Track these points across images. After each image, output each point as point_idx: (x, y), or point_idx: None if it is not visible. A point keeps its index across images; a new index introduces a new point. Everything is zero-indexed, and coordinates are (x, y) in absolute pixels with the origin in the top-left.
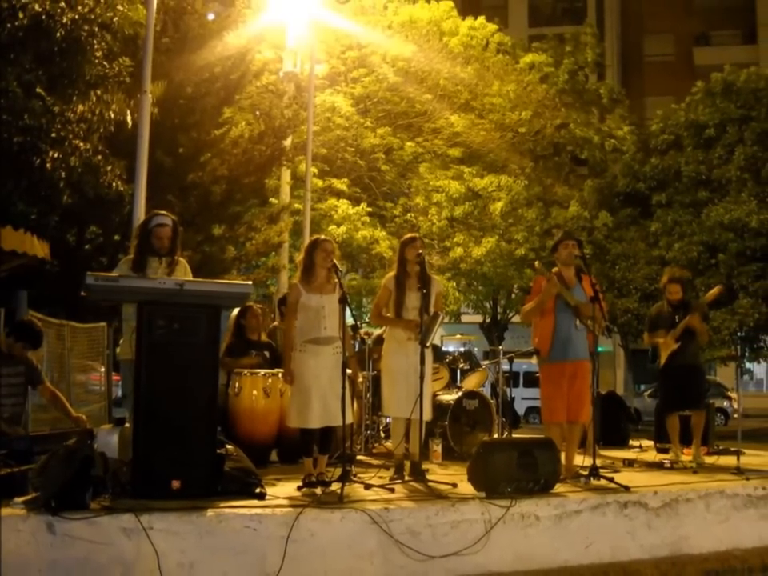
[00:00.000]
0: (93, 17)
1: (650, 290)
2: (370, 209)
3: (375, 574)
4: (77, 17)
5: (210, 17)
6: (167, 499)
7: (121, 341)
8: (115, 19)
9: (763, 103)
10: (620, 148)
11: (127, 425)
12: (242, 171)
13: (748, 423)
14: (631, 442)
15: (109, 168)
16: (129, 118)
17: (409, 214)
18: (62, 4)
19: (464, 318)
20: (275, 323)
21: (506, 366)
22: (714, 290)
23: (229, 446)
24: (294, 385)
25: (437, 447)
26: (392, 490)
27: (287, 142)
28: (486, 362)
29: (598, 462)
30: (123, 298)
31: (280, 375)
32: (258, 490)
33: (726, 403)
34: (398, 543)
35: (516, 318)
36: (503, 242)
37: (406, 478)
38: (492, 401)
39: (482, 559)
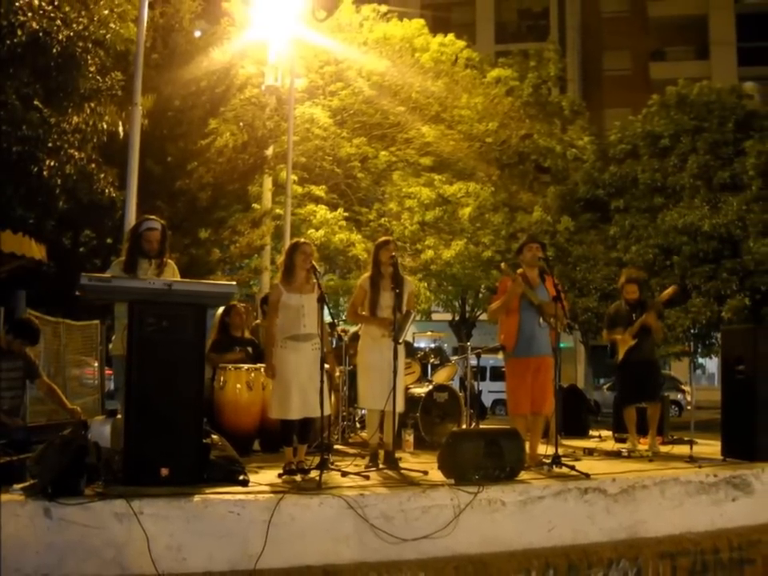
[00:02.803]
0: (87, 34)
1: (608, 289)
2: (346, 214)
3: (351, 556)
4: (72, 34)
5: (197, 34)
6: (156, 486)
7: (113, 337)
8: (108, 36)
9: (715, 115)
10: (581, 157)
11: (119, 416)
12: (227, 179)
13: (700, 415)
14: (591, 432)
15: (102, 176)
16: (120, 128)
17: (383, 219)
18: (58, 22)
19: (434, 316)
20: (258, 321)
21: (473, 361)
22: (669, 290)
23: (214, 436)
24: (275, 379)
25: (409, 437)
26: (367, 477)
27: (269, 152)
28: (455, 358)
29: (560, 451)
30: (115, 298)
31: (262, 370)
32: (241, 478)
33: (679, 396)
34: (373, 527)
35: (483, 316)
36: (471, 245)
37: (380, 465)
38: (461, 394)
39: (451, 542)
